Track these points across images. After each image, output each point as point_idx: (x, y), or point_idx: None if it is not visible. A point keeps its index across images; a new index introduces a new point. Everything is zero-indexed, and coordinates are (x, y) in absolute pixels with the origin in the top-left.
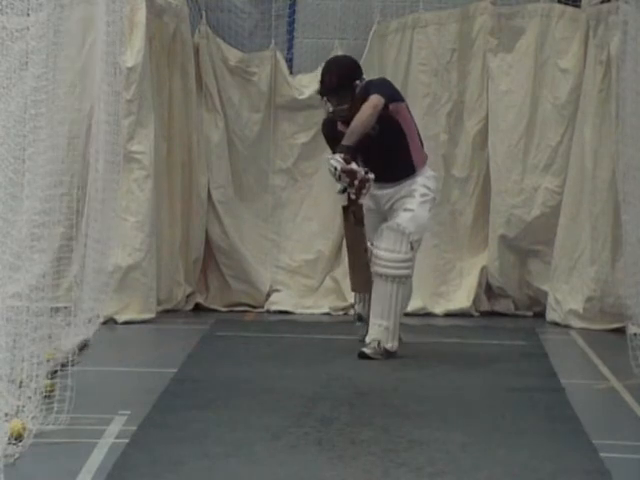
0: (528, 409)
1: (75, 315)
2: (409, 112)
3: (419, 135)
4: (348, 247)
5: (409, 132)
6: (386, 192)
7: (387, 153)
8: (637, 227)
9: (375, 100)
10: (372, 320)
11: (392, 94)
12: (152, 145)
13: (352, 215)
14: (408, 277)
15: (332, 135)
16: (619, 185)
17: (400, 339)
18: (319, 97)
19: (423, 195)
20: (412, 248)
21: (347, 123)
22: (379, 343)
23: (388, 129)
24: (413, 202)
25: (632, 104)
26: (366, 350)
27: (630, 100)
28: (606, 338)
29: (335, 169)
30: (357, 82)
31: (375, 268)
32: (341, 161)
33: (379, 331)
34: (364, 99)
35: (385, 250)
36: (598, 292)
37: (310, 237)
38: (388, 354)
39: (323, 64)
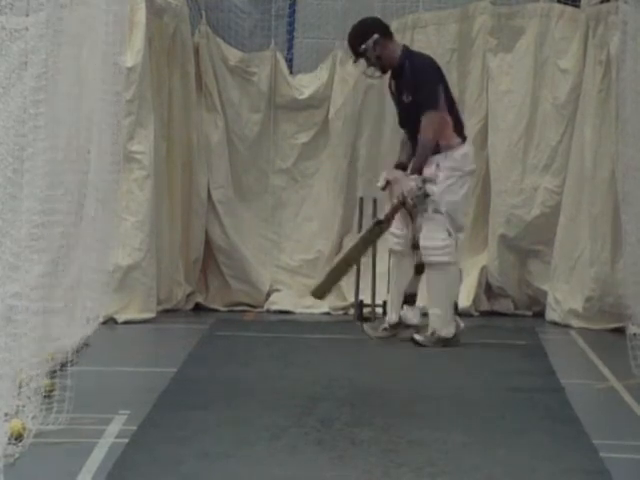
0: (528, 409)
1: (75, 315)
2: (445, 94)
3: (456, 114)
4: (343, 258)
5: None
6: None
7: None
8: (637, 227)
9: (429, 123)
10: (430, 311)
11: (436, 87)
12: (152, 145)
13: (379, 230)
14: (448, 264)
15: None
16: (619, 185)
17: (459, 327)
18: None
19: (446, 178)
20: (450, 235)
21: (393, 82)
22: (434, 332)
23: (416, 116)
24: (436, 190)
25: (632, 104)
26: (417, 337)
27: (630, 100)
28: (606, 338)
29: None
30: (368, 42)
31: (423, 258)
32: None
33: (433, 319)
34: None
35: (424, 238)
36: (598, 292)
37: (310, 237)
38: (445, 342)
39: None
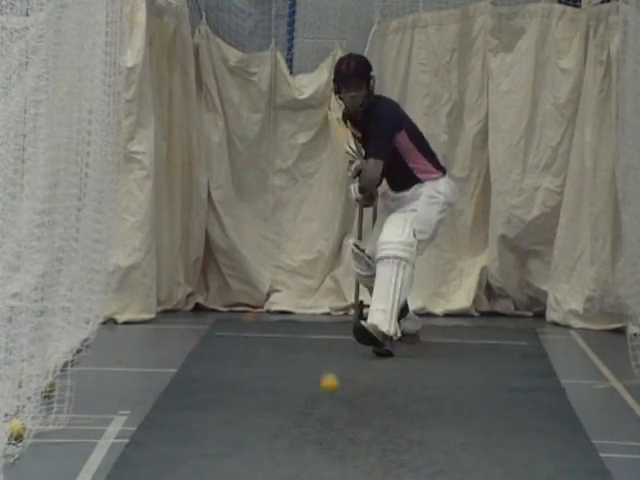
0: (528, 409)
1: (74, 315)
2: (410, 133)
3: (427, 149)
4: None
5: (407, 155)
6: (399, 195)
7: (392, 171)
8: (637, 227)
9: (371, 170)
10: (371, 307)
11: (388, 139)
12: (152, 145)
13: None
14: (408, 261)
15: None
16: (619, 185)
17: (407, 331)
18: (334, 95)
19: (430, 197)
20: (414, 235)
21: (356, 123)
22: (376, 328)
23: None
24: (418, 203)
25: (632, 104)
26: (364, 323)
27: (630, 100)
28: (606, 338)
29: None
30: (372, 73)
31: (378, 254)
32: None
33: (376, 315)
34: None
35: (388, 234)
36: (598, 292)
37: (310, 237)
38: (385, 338)
39: (337, 61)
